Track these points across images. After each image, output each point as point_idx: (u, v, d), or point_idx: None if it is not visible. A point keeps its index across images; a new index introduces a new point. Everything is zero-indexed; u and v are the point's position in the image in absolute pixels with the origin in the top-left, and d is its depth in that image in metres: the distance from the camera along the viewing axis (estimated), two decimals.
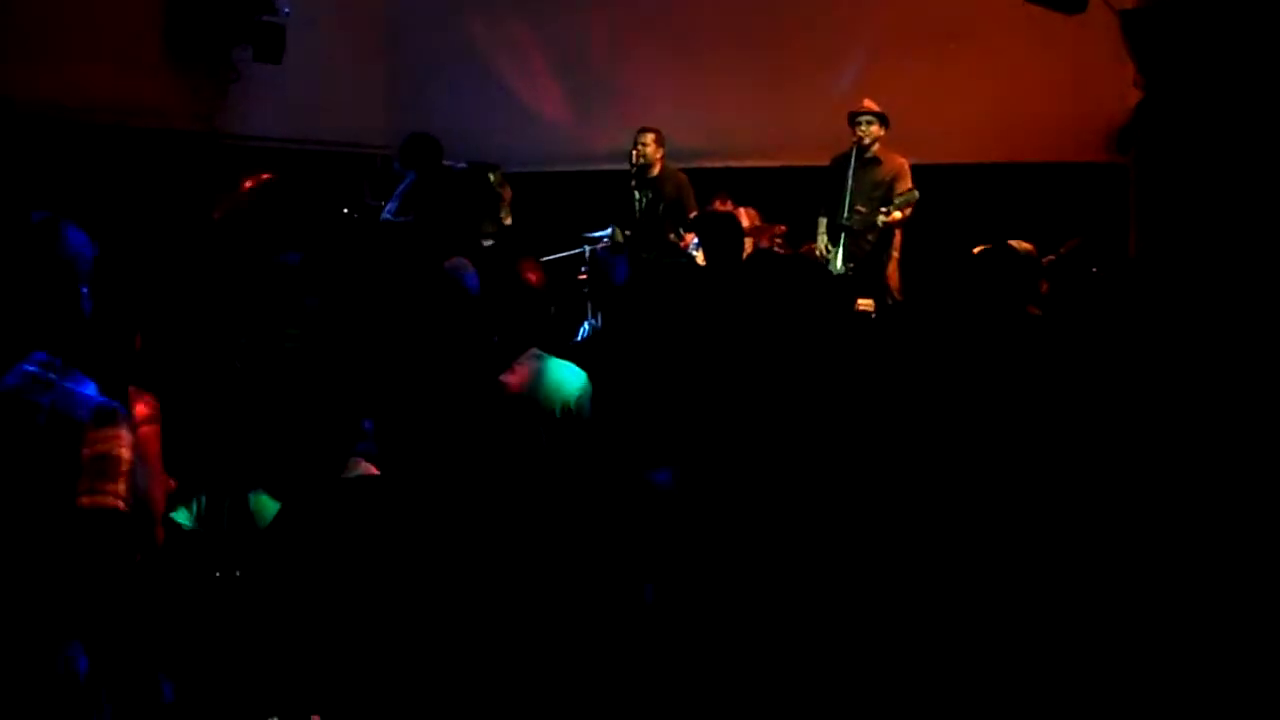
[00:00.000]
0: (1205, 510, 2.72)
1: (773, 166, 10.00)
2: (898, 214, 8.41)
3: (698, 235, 8.45)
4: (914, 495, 2.87)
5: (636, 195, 9.18)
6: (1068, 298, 5.67)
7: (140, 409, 3.47)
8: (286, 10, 9.40)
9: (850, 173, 8.55)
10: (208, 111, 9.38)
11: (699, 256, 8.52)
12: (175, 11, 8.82)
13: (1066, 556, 2.69)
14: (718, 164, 10.02)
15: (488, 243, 9.27)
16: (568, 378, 4.70)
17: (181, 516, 3.40)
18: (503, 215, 9.67)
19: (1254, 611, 2.48)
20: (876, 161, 8.63)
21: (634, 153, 9.10)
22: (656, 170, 9.12)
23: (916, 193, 8.39)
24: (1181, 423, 3.03)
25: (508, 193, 9.78)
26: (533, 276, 4.97)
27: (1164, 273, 6.50)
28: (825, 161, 8.89)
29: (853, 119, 8.64)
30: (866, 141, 8.60)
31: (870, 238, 8.57)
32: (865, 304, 7.76)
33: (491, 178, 9.75)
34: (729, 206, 9.23)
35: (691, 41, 10.55)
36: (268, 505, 3.17)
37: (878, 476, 2.93)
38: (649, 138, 9.09)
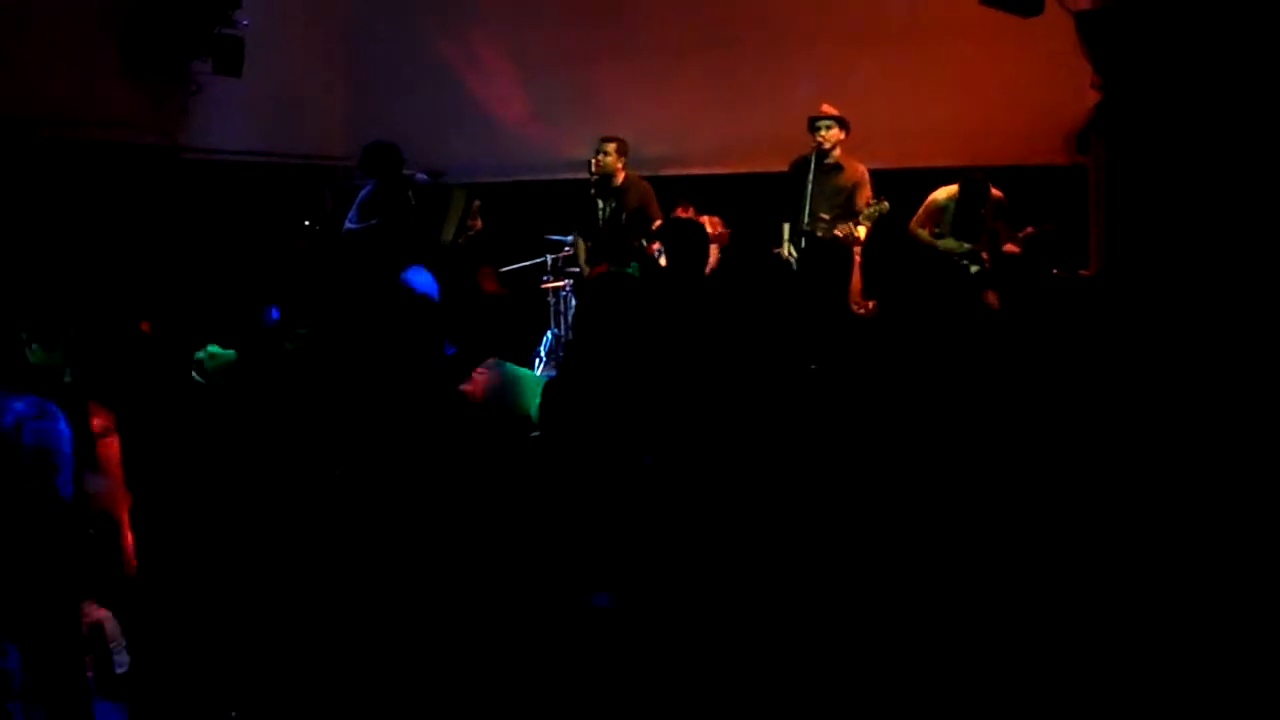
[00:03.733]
0: (1177, 506, 2.73)
1: (734, 173, 10.00)
2: (865, 226, 8.38)
3: (662, 242, 8.43)
4: (883, 498, 2.87)
5: (600, 204, 9.14)
6: (1028, 298, 5.70)
7: (97, 422, 3.45)
8: (246, 22, 9.35)
9: (810, 178, 8.54)
10: (168, 124, 9.32)
11: (662, 262, 8.51)
12: (132, 24, 8.75)
13: (1034, 552, 2.70)
14: (679, 171, 10.01)
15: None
16: (528, 385, 4.69)
17: None
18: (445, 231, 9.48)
19: (1205, 610, 2.50)
20: (837, 168, 8.61)
21: (594, 162, 9.06)
22: (619, 179, 9.08)
23: (887, 204, 8.38)
24: (1150, 414, 3.05)
25: (478, 224, 9.67)
26: (491, 285, 4.97)
27: (1126, 270, 6.54)
28: (785, 167, 8.87)
29: (812, 124, 8.63)
30: (826, 146, 8.58)
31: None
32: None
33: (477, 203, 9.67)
34: (690, 213, 9.23)
35: (651, 49, 10.55)
36: None
37: (846, 479, 2.93)
38: (610, 147, 9.04)
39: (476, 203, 9.55)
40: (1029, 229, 8.09)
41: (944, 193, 8.59)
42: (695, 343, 4.68)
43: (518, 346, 5.01)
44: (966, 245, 8.36)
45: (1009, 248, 7.90)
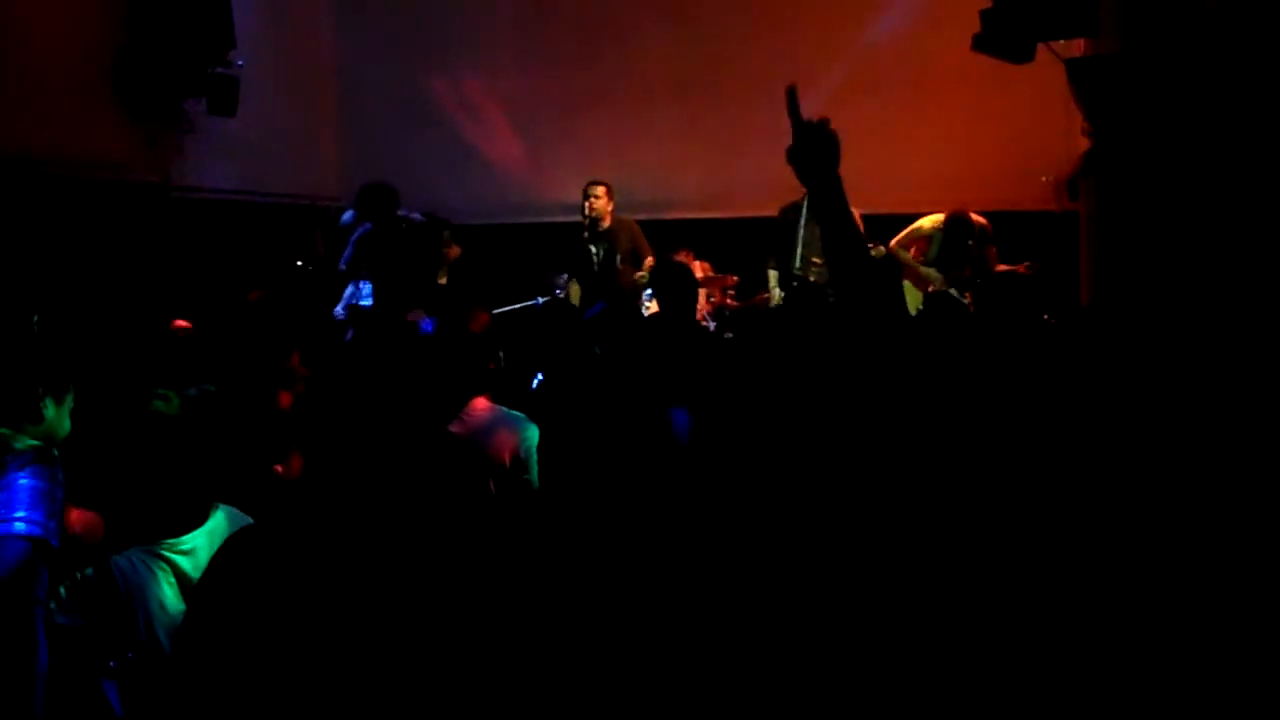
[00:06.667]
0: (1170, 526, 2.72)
1: (723, 218, 10.03)
2: None
3: (652, 286, 8.41)
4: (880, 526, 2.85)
5: (593, 249, 9.10)
6: (1014, 345, 5.68)
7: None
8: (240, 63, 9.37)
9: (801, 223, 8.54)
10: (160, 163, 9.31)
11: (653, 305, 8.49)
12: (126, 63, 8.75)
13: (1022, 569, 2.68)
14: (668, 216, 10.03)
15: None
16: (518, 427, 4.67)
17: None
18: (439, 276, 9.51)
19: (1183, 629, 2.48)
20: None
21: (586, 205, 9.03)
22: (608, 223, 9.05)
23: (883, 249, 8.46)
24: (1138, 454, 3.04)
25: (454, 252, 9.68)
26: (481, 327, 4.95)
27: (1117, 315, 6.54)
28: (774, 213, 8.88)
29: None
30: None
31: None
32: None
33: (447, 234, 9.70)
34: (690, 260, 9.25)
35: (641, 94, 10.60)
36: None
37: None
38: (600, 190, 9.01)
39: (446, 233, 9.52)
40: (1022, 266, 8.17)
41: (929, 222, 8.70)
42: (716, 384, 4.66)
43: (508, 388, 4.98)
44: (947, 275, 8.47)
45: (1001, 267, 7.99)
